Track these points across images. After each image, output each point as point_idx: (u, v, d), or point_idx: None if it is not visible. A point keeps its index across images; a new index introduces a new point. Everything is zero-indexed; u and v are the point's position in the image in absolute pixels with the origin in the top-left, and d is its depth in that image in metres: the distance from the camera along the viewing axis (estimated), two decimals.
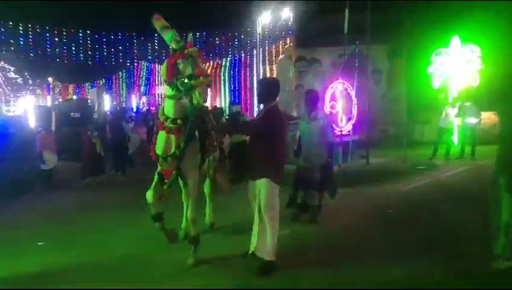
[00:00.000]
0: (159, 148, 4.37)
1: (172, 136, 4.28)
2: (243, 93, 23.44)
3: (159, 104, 27.88)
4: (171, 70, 4.14)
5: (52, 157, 9.13)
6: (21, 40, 23.57)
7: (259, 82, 4.65)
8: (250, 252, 4.33)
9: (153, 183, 4.51)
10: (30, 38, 23.90)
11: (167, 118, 4.29)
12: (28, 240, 5.53)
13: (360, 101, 10.16)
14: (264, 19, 15.49)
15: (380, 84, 15.95)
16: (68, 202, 7.89)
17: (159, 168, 4.51)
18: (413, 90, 14.27)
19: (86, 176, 9.31)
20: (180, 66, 4.08)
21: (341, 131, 9.42)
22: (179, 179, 4.49)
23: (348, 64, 10.39)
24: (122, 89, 44.01)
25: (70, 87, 49.54)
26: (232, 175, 9.58)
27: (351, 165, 9.60)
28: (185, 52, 4.08)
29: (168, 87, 4.25)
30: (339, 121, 9.48)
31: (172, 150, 4.29)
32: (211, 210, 5.77)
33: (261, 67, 19.60)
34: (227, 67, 24.85)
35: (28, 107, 22.67)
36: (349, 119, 9.68)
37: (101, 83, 41.16)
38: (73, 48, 25.07)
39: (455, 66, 13.09)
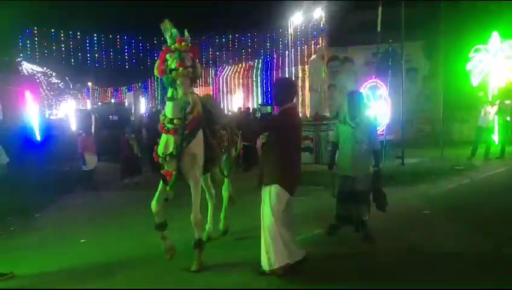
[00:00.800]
0: (160, 149, 4.39)
1: (171, 137, 4.29)
2: None
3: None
4: (161, 66, 4.19)
5: (92, 158, 9.50)
6: (62, 46, 24.57)
7: (274, 83, 4.41)
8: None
9: (157, 192, 4.47)
10: (70, 43, 24.88)
11: (165, 118, 4.33)
12: (72, 237, 5.81)
13: (394, 100, 9.99)
14: (296, 20, 15.48)
15: (415, 82, 15.61)
16: (108, 202, 8.21)
17: (162, 170, 4.46)
18: (451, 88, 13.85)
19: (124, 177, 9.63)
20: (168, 62, 4.13)
21: None
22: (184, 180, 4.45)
23: (382, 63, 10.23)
24: (158, 92, 45.00)
25: (108, 91, 51.16)
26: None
27: (385, 166, 9.44)
28: (172, 47, 4.13)
29: (168, 89, 4.30)
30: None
31: (170, 150, 4.28)
32: (225, 215, 5.59)
33: (293, 68, 19.59)
34: (259, 69, 24.97)
35: (69, 111, 23.64)
36: (383, 119, 9.55)
37: (137, 87, 42.25)
38: (111, 53, 25.89)
39: (495, 63, 12.61)
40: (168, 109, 4.33)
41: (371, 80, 9.63)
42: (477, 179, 8.67)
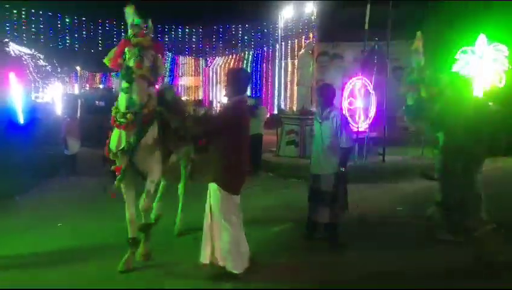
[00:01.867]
0: (112, 144, 4.12)
1: (123, 131, 4.00)
2: (264, 87, 23.52)
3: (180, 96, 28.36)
4: (115, 58, 3.93)
5: (75, 143, 9.46)
6: (50, 29, 24.23)
7: (227, 72, 4.13)
8: (206, 261, 3.91)
9: (125, 196, 4.27)
10: (59, 26, 24.54)
11: (118, 112, 4.01)
12: (50, 221, 5.82)
13: (378, 98, 10.11)
14: (287, 13, 15.50)
15: (402, 81, 15.74)
16: (89, 187, 8.19)
17: (113, 166, 4.21)
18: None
19: (107, 163, 9.59)
20: (126, 56, 3.86)
21: (358, 128, 9.44)
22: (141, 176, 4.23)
23: (367, 60, 10.33)
24: None
25: (97, 76, 50.57)
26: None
27: (366, 162, 9.60)
28: (132, 40, 3.84)
29: (123, 80, 3.98)
30: (357, 117, 9.51)
31: (122, 145, 4.01)
32: (181, 217, 5.26)
33: (282, 61, 19.64)
34: (249, 61, 24.96)
35: (56, 95, 23.34)
36: (367, 116, 9.67)
37: None
38: (99, 37, 25.60)
39: (481, 66, 12.78)
40: (121, 102, 4.01)
41: (356, 77, 9.71)
42: None
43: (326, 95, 5.06)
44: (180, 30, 26.03)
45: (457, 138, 4.80)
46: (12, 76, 11.21)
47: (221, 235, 3.76)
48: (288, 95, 20.92)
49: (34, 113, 13.76)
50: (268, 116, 13.50)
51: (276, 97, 21.99)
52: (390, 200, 7.23)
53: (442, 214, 5.11)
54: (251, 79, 4.57)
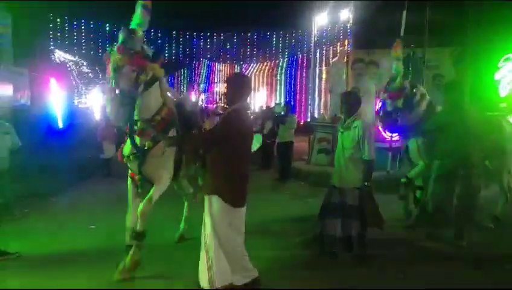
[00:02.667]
0: (126, 149, 4.21)
1: (137, 138, 4.07)
2: (298, 94, 23.42)
3: (216, 102, 28.72)
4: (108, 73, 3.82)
5: (110, 147, 9.73)
6: (92, 36, 25.21)
7: (227, 79, 3.86)
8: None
9: (129, 200, 4.30)
10: (99, 34, 25.50)
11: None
12: (83, 222, 5.98)
13: None
14: (322, 20, 15.38)
15: (442, 89, 15.22)
16: (123, 190, 8.34)
17: (129, 172, 4.28)
18: (477, 98, 13.49)
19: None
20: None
21: (391, 136, 9.18)
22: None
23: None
24: (183, 86, 45.59)
25: None
26: (278, 174, 9.76)
27: (400, 172, 9.29)
28: (111, 57, 3.71)
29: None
30: None
31: (135, 150, 4.08)
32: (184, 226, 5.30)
33: (317, 68, 19.49)
34: (283, 68, 24.95)
35: (95, 100, 24.14)
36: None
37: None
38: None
39: None
40: (136, 110, 3.96)
41: None
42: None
43: (350, 102, 4.76)
44: (215, 37, 26.42)
45: (448, 141, 5.05)
46: (54, 82, 11.70)
47: (217, 250, 3.39)
48: (321, 103, 20.72)
49: (75, 118, 14.30)
50: (301, 123, 13.40)
51: (309, 105, 21.84)
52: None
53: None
54: (252, 86, 4.37)
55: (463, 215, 5.18)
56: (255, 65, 28.70)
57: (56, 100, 11.38)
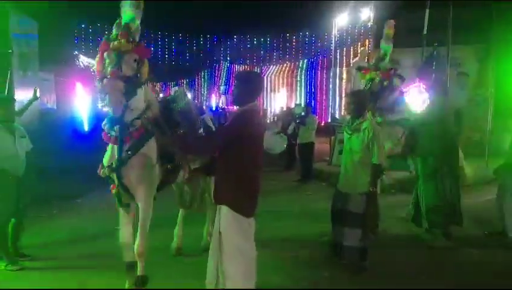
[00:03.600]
0: (105, 159, 3.72)
1: (115, 146, 3.60)
2: (318, 95, 23.30)
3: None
4: (98, 65, 3.46)
5: None
6: None
7: (236, 77, 3.42)
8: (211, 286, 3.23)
9: (120, 216, 3.88)
10: None
11: (106, 124, 3.65)
12: (107, 223, 6.06)
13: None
14: (342, 20, 15.28)
15: (466, 88, 14.90)
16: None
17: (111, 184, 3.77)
18: (503, 96, 13.12)
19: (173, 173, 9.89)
20: (106, 62, 3.39)
21: None
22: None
23: (425, 66, 9.89)
24: (204, 88, 46.00)
25: (157, 85, 52.77)
26: (300, 176, 9.74)
27: None
28: (111, 44, 3.34)
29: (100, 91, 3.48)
30: None
31: (113, 161, 3.59)
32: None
33: (337, 69, 19.35)
34: (303, 69, 24.86)
35: None
36: None
37: (184, 83, 43.33)
38: (159, 49, 26.76)
39: None
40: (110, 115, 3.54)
41: (414, 84, 9.32)
42: None
43: (358, 102, 4.46)
44: (235, 39, 26.57)
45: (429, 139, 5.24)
46: (78, 86, 11.97)
47: (229, 262, 3.10)
48: (342, 104, 20.54)
49: (99, 121, 14.58)
50: (322, 124, 13.31)
51: (330, 105, 21.70)
52: None
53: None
54: (263, 85, 4.10)
55: (448, 214, 5.34)
56: (274, 67, 28.70)
57: (81, 104, 11.62)
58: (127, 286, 3.85)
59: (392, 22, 6.89)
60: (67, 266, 4.61)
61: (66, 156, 9.29)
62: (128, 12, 3.45)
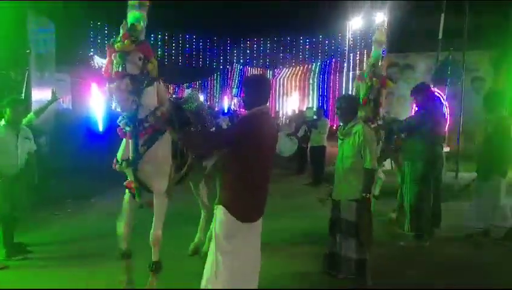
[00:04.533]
0: (119, 154, 3.81)
1: (130, 142, 3.69)
2: (331, 98, 23.23)
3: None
4: (106, 68, 3.55)
5: None
6: None
7: (244, 80, 3.47)
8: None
9: (123, 209, 4.02)
10: None
11: (122, 119, 3.72)
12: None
13: (453, 111, 9.57)
14: (356, 24, 15.25)
15: (482, 93, 14.75)
16: None
17: (126, 181, 3.91)
18: None
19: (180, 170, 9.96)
20: (114, 65, 3.46)
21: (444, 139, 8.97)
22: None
23: (440, 71, 9.82)
24: (216, 90, 46.22)
25: (170, 87, 53.15)
26: (312, 179, 9.71)
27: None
28: (115, 45, 3.43)
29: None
30: None
31: (129, 155, 3.68)
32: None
33: (350, 72, 19.30)
34: (316, 72, 24.82)
35: None
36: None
37: (197, 85, 43.60)
38: (172, 51, 26.98)
39: None
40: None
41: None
42: None
43: (347, 106, 4.34)
44: (248, 42, 26.66)
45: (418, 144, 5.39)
46: (94, 87, 12.13)
47: (214, 263, 3.03)
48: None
49: (113, 121, 14.74)
50: (334, 128, 13.26)
51: None
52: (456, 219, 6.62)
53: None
54: (270, 88, 4.02)
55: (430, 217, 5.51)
56: (287, 70, 28.73)
57: (96, 105, 11.78)
58: (120, 276, 3.97)
59: (383, 27, 6.95)
60: (78, 264, 4.68)
61: (81, 156, 9.41)
62: (134, 13, 3.57)
